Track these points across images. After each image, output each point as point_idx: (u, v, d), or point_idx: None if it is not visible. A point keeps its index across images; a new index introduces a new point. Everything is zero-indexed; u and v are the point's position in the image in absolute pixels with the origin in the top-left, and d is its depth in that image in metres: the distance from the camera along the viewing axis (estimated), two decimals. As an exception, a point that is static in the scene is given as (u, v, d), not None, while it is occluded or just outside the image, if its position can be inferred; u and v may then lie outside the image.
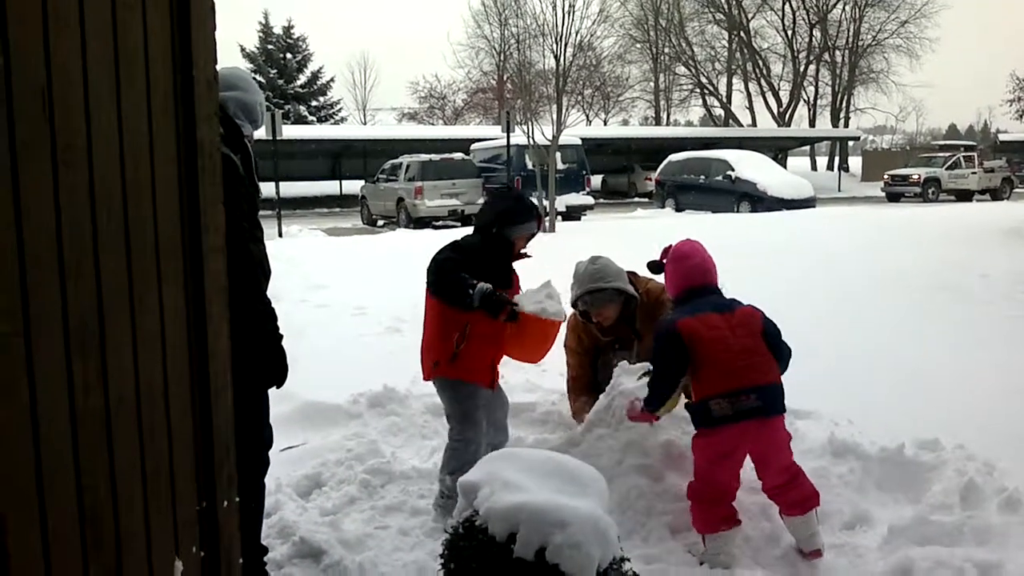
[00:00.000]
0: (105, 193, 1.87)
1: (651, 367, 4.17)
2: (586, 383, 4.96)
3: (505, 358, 4.46)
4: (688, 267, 3.88)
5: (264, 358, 3.15)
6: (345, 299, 9.17)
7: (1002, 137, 49.19)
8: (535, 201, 19.28)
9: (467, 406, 4.21)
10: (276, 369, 3.22)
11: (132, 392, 1.97)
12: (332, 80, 51.35)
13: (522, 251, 4.33)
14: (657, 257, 4.08)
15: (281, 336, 3.22)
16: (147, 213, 2.02)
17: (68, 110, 1.75)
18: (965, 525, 3.52)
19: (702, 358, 3.58)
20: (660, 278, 4.10)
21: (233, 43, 46.18)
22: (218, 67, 3.38)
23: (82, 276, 1.80)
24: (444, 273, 4.09)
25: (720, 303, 3.77)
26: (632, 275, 4.82)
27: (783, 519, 3.66)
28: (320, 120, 47.54)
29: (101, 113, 1.85)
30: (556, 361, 5.77)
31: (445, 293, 4.09)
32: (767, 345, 3.65)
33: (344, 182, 35.91)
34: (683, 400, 3.90)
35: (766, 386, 3.58)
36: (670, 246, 4.03)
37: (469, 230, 4.44)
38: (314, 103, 49.10)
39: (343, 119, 51.92)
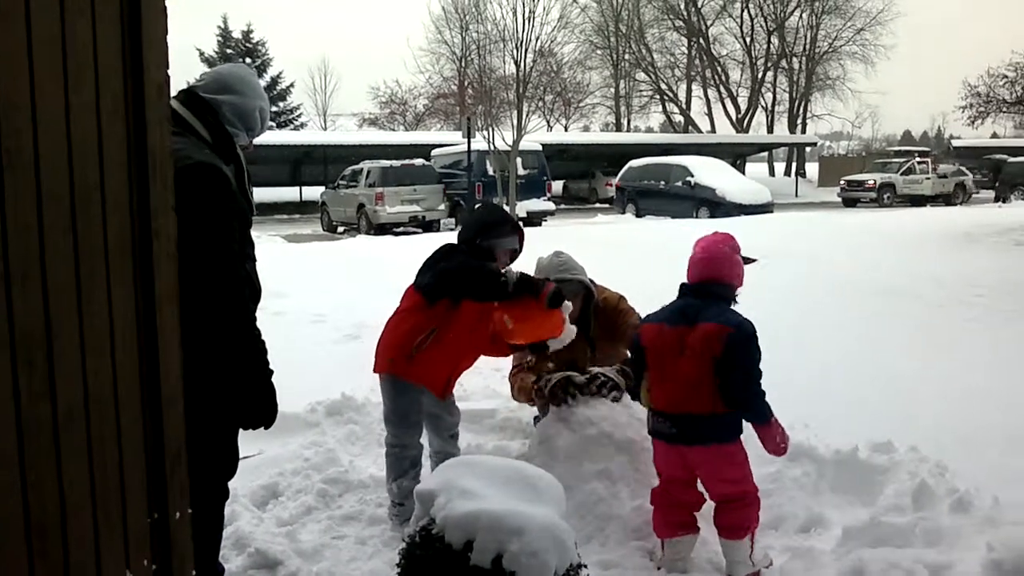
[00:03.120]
0: (52, 198, 1.84)
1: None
2: (528, 367, 4.79)
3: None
4: (690, 260, 3.76)
5: (253, 396, 2.96)
6: (304, 306, 9.11)
7: (955, 143, 50.19)
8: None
9: (406, 410, 4.16)
10: (266, 409, 3.01)
11: (81, 401, 1.94)
12: (292, 85, 51.21)
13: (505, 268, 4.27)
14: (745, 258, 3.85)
15: (272, 372, 3.04)
16: (96, 219, 1.99)
17: (14, 113, 1.73)
18: (917, 526, 3.57)
19: (649, 367, 3.65)
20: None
21: (191, 47, 45.76)
22: (224, 66, 3.32)
23: (28, 283, 1.77)
24: (472, 269, 4.00)
25: (689, 312, 3.59)
26: (591, 280, 4.78)
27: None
28: (280, 125, 47.24)
29: (48, 117, 1.82)
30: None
31: (477, 287, 3.98)
32: (719, 370, 3.47)
33: (304, 188, 35.77)
34: None
35: (682, 415, 3.54)
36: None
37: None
38: (274, 108, 48.70)
39: (303, 124, 51.68)
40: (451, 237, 4.35)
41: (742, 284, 3.74)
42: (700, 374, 3.49)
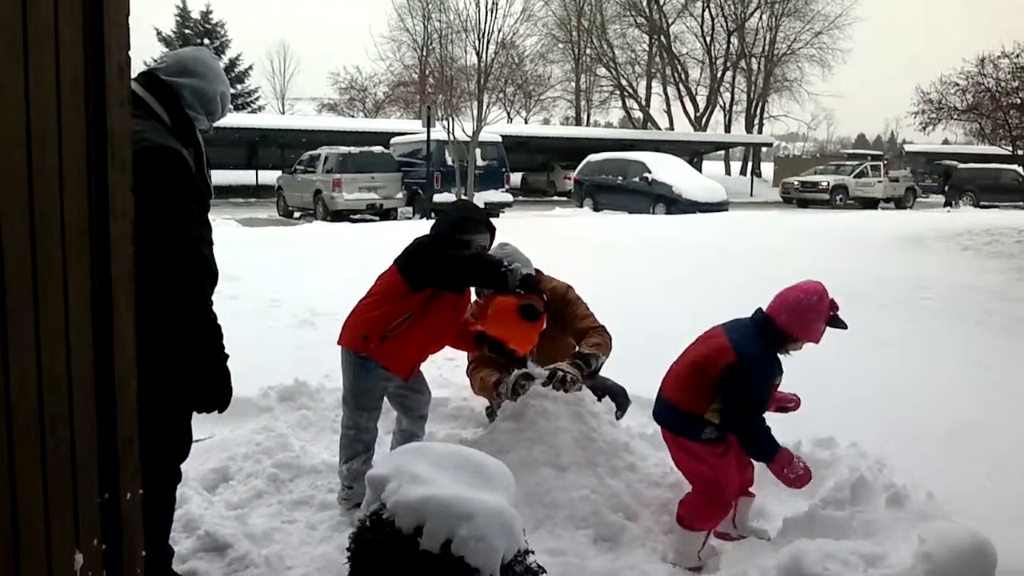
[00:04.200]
0: (9, 178, 1.84)
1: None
2: (485, 360, 4.85)
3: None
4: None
5: (207, 379, 2.96)
6: (258, 291, 9.07)
7: (908, 148, 51.10)
8: (453, 197, 19.29)
9: (366, 394, 4.17)
10: (220, 392, 3.02)
11: (34, 382, 1.94)
12: (251, 68, 50.63)
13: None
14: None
15: (227, 356, 3.03)
16: (54, 198, 1.99)
17: (-28, 93, 1.72)
18: (854, 519, 3.68)
19: None
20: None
21: (149, 27, 45.01)
22: (186, 48, 3.31)
23: (-16, 260, 1.77)
24: (471, 259, 4.10)
25: (733, 325, 3.79)
26: (537, 271, 4.83)
27: None
28: (237, 108, 46.61)
29: (7, 97, 1.82)
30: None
31: (475, 276, 4.13)
32: (718, 390, 3.63)
33: (260, 172, 35.35)
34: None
35: (661, 397, 3.84)
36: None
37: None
38: (231, 91, 48.02)
39: (261, 108, 51.10)
40: (408, 225, 4.38)
41: (809, 339, 3.70)
42: (691, 371, 3.68)
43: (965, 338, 7.79)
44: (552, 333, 4.69)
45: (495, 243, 4.72)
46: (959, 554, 3.16)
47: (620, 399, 4.60)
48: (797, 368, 3.81)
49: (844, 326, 3.74)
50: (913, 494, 3.97)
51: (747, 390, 3.59)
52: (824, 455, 4.45)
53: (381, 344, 4.07)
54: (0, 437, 1.85)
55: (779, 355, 3.71)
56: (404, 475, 2.67)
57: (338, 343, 4.26)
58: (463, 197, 19.26)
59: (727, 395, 3.60)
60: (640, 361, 4.66)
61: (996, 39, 29.25)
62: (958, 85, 20.12)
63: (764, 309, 3.73)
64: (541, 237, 14.06)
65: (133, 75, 2.54)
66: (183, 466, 3.19)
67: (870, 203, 33.52)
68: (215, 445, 4.74)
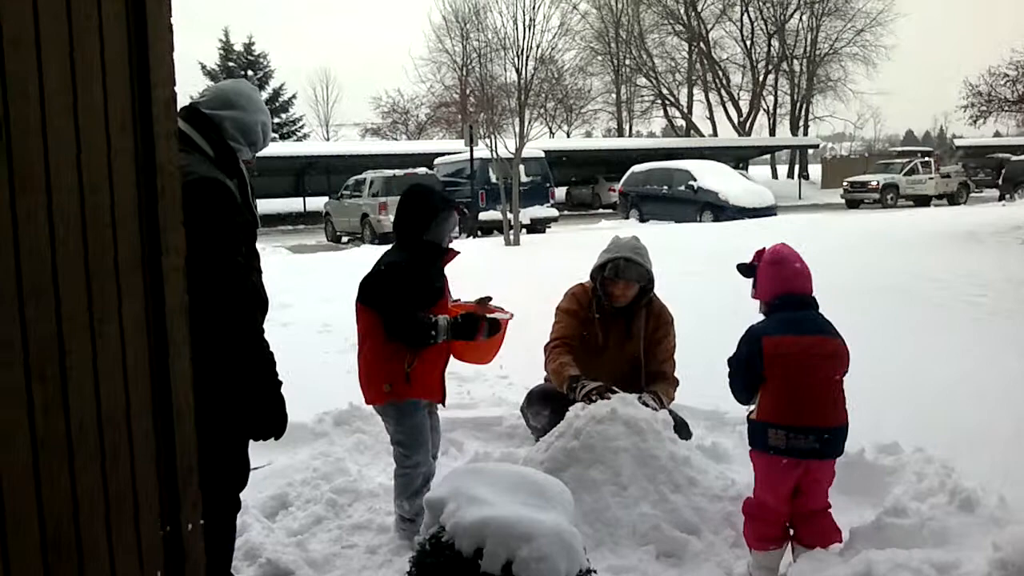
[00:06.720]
0: (64, 217, 1.87)
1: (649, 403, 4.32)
2: (570, 345, 4.76)
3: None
4: (788, 272, 3.63)
5: (262, 407, 2.99)
6: (310, 317, 9.15)
7: (958, 143, 50.18)
8: (499, 214, 19.22)
9: (417, 430, 4.13)
10: (275, 419, 3.04)
11: (93, 415, 1.96)
12: (294, 97, 51.30)
13: (450, 248, 4.24)
14: (747, 260, 3.79)
15: (281, 383, 3.06)
16: (107, 234, 2.01)
17: (25, 133, 1.75)
18: (924, 527, 3.58)
19: (774, 380, 3.51)
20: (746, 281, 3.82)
21: (193, 60, 45.92)
22: (226, 81, 3.35)
23: (41, 298, 1.80)
24: (399, 318, 3.96)
25: (821, 325, 3.59)
26: (648, 289, 4.78)
27: (794, 546, 3.63)
28: (283, 137, 47.31)
29: (58, 134, 1.85)
30: (521, 374, 5.80)
31: (405, 338, 3.98)
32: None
33: (308, 199, 35.81)
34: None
35: (825, 428, 3.48)
36: (763, 249, 3.78)
37: None
38: (276, 120, 48.83)
39: (306, 135, 51.82)
40: (454, 244, 4.34)
41: None
42: (836, 387, 3.55)
43: (1025, 334, 7.58)
44: (621, 333, 4.65)
45: (627, 236, 4.77)
46: (1037, 560, 3.05)
47: (682, 431, 4.49)
48: (856, 374, 3.73)
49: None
50: (984, 499, 3.85)
51: None
52: (888, 461, 4.35)
53: (409, 384, 4.03)
54: (62, 474, 1.87)
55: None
56: (462, 497, 2.66)
57: (367, 403, 4.28)
58: (508, 214, 19.25)
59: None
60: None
61: (1045, 27, 28.59)
62: (1008, 76, 19.61)
63: (807, 292, 3.65)
64: (587, 250, 13.99)
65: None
66: (242, 494, 3.21)
67: (922, 201, 32.93)
68: (273, 472, 4.77)
